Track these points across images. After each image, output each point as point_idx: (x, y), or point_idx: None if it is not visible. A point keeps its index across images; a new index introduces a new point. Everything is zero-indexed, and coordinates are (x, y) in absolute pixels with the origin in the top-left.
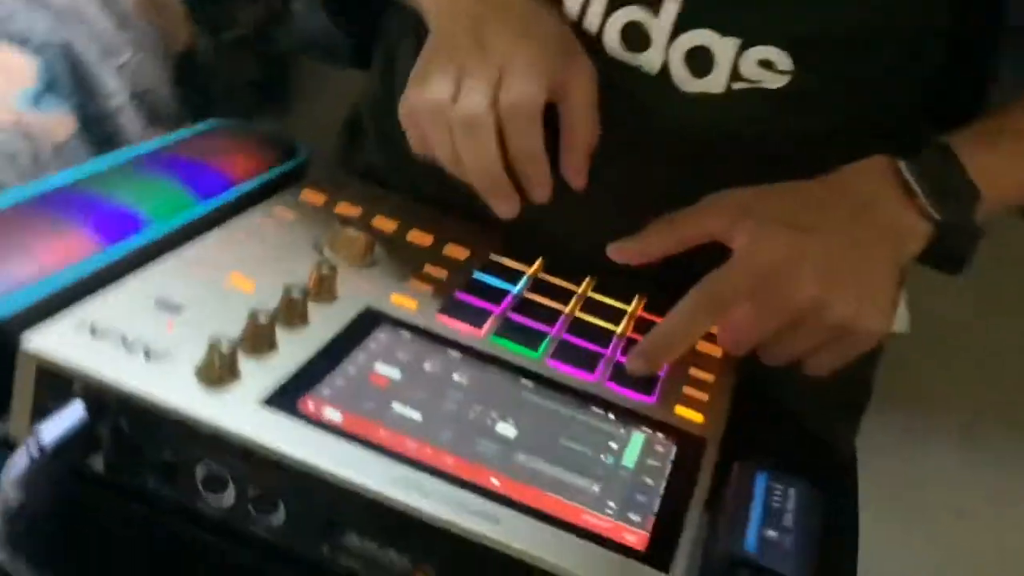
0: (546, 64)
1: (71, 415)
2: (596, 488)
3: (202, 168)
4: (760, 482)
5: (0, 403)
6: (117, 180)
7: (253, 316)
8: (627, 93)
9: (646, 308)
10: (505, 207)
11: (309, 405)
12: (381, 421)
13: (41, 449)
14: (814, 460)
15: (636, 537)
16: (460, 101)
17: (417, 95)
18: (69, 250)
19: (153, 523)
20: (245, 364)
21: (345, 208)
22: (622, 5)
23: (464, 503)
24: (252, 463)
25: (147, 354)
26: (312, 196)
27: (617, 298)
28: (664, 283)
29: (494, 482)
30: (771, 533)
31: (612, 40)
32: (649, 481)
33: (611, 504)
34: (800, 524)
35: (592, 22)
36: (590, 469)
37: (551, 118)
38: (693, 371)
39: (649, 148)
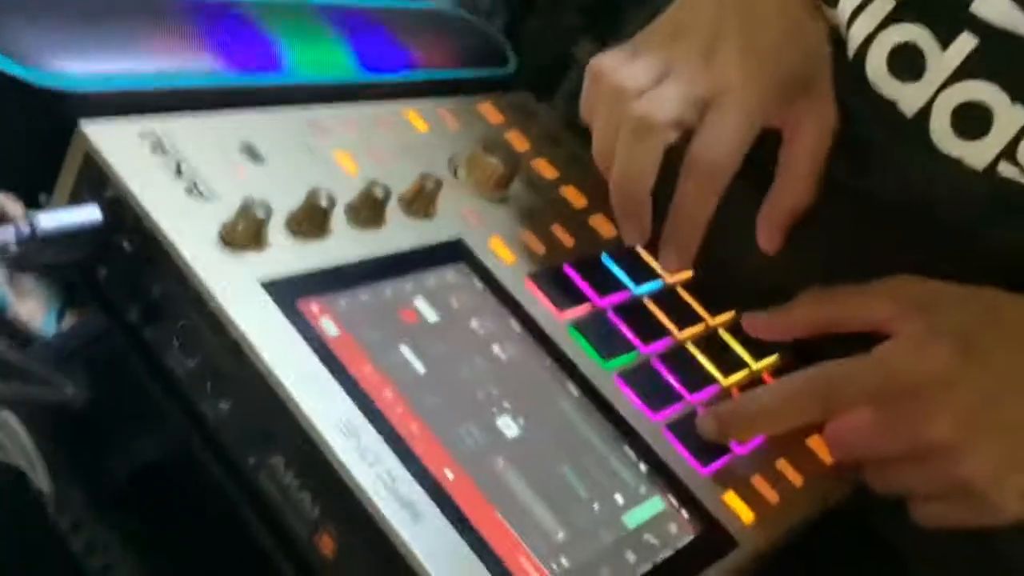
0: (775, 102)
1: (86, 214)
2: (561, 535)
3: (384, 41)
4: None
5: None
6: (286, 16)
7: (313, 194)
8: (864, 129)
9: (775, 371)
10: (633, 233)
11: (311, 307)
12: (373, 357)
13: (32, 230)
14: None
15: None
16: (648, 95)
17: (614, 64)
18: (183, 59)
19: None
20: (280, 239)
21: (514, 137)
22: (905, 20)
23: (396, 482)
24: (221, 338)
25: (191, 189)
26: (488, 111)
27: (749, 347)
28: (816, 354)
29: (447, 474)
30: None
31: (876, 57)
32: (631, 558)
33: (563, 562)
34: None
35: (860, 31)
36: (571, 513)
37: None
38: (782, 464)
39: (862, 201)
